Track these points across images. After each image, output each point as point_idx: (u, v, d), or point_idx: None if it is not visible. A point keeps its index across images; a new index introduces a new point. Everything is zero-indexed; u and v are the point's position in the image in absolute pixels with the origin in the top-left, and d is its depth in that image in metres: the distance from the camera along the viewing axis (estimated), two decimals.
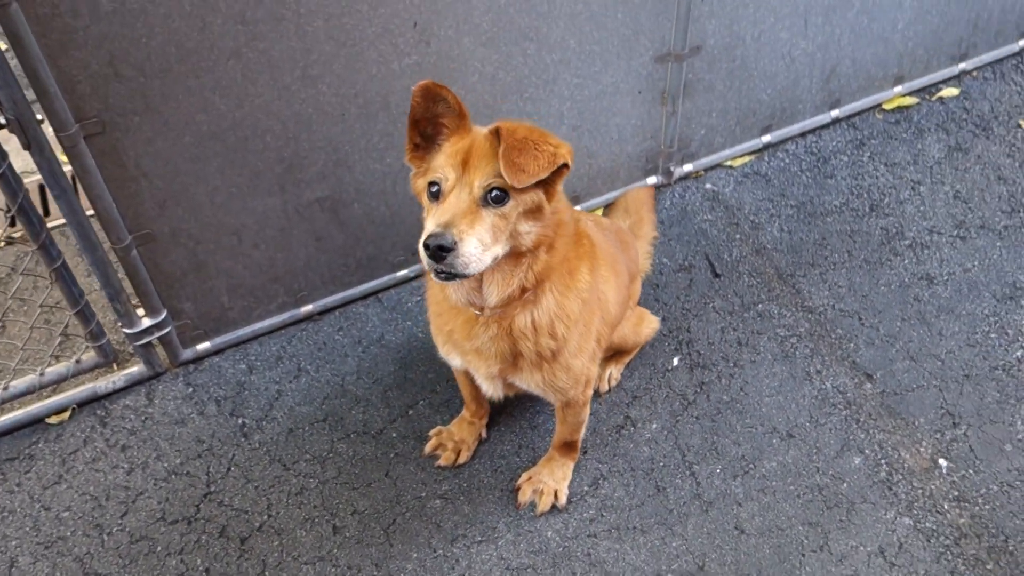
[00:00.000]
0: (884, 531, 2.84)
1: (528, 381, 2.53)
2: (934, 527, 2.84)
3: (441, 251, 1.99)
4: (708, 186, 3.94)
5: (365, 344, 3.42)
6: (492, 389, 2.64)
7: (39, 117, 2.56)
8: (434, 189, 2.15)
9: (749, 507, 2.91)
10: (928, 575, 2.73)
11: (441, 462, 3.05)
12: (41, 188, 3.94)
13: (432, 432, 3.12)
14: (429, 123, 2.23)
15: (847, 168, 3.97)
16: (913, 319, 3.40)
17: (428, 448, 3.08)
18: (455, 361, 2.65)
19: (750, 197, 3.87)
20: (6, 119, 2.50)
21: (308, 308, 3.48)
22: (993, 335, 3.34)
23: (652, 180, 3.89)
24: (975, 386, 3.19)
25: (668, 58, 3.47)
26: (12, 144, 2.60)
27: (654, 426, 3.12)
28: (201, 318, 3.28)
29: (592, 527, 2.89)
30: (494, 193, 2.08)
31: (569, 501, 2.94)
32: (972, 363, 3.25)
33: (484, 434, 3.11)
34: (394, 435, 3.15)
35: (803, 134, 4.12)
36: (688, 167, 3.94)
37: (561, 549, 2.84)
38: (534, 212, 2.16)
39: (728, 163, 4.02)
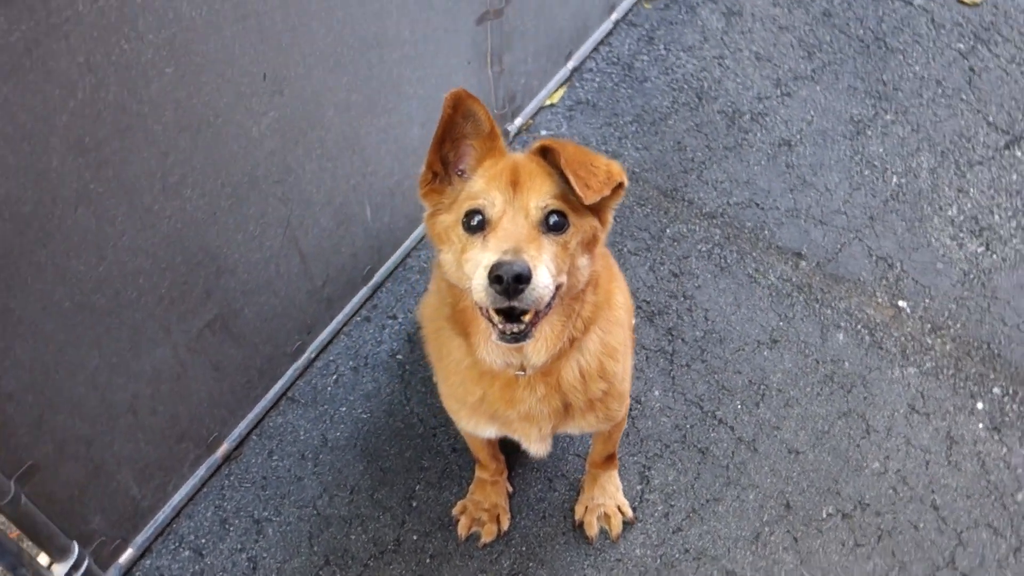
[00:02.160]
0: (902, 389, 2.93)
1: (581, 426, 2.20)
2: (932, 364, 2.97)
3: (518, 282, 1.58)
4: (543, 133, 3.70)
5: (311, 456, 2.85)
6: (542, 449, 2.26)
7: None
8: (475, 220, 1.75)
9: (787, 426, 2.86)
10: (956, 409, 2.87)
11: (485, 539, 2.65)
12: None
13: (456, 511, 2.70)
14: (452, 147, 1.84)
15: (654, 67, 3.92)
16: (798, 186, 3.48)
17: (462, 530, 2.67)
18: (487, 432, 2.25)
19: (588, 129, 3.70)
20: None
21: (223, 448, 2.82)
22: (867, 172, 3.51)
23: None
24: (882, 224, 3.35)
25: (488, 16, 3.13)
26: None
27: (656, 393, 2.94)
28: (114, 526, 2.53)
29: (671, 522, 2.68)
30: (553, 219, 1.73)
31: (634, 509, 2.70)
32: (867, 204, 3.41)
33: (510, 487, 2.75)
34: (415, 538, 2.68)
35: (596, 48, 3.99)
36: (519, 121, 3.66)
37: (658, 561, 2.61)
38: (589, 243, 1.84)
39: (548, 102, 3.80)
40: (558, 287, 1.75)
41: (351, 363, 3.06)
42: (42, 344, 2.05)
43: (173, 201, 2.21)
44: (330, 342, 3.09)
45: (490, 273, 1.59)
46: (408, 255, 3.30)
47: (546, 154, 1.79)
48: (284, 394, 2.98)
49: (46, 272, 1.97)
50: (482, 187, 1.77)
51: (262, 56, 2.28)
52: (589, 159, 1.75)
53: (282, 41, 2.32)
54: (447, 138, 1.80)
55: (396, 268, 3.27)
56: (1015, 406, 2.86)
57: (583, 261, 1.83)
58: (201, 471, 2.78)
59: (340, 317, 3.11)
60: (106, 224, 2.06)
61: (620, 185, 1.79)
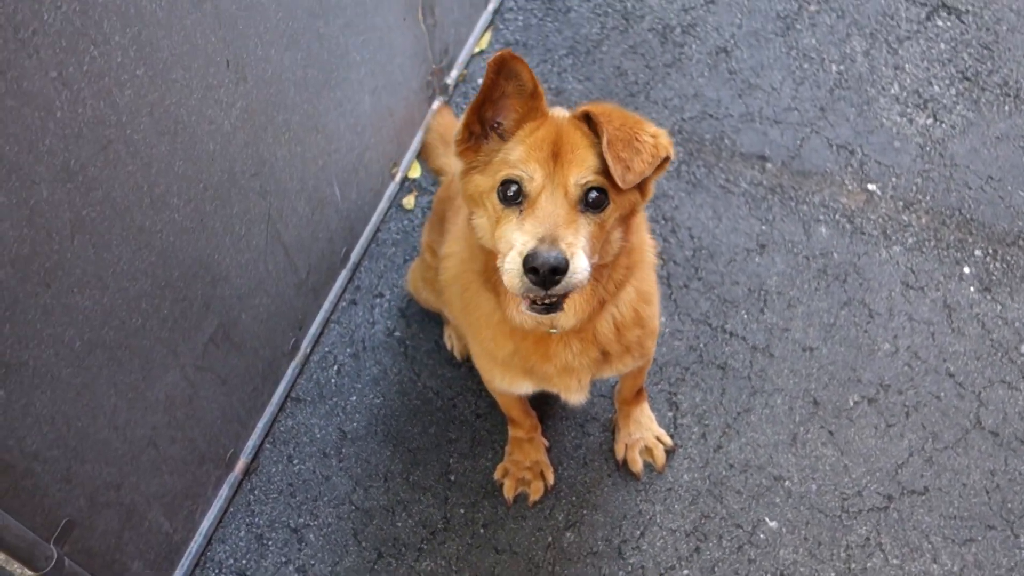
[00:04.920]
0: (892, 269, 3.00)
1: (619, 369, 2.17)
2: (914, 239, 3.06)
3: (555, 274, 1.56)
4: (480, 82, 3.59)
5: (332, 452, 2.74)
6: (581, 398, 2.19)
7: None
8: (512, 191, 1.68)
9: (796, 326, 2.90)
10: (945, 277, 2.97)
11: (534, 498, 2.62)
12: None
13: (498, 475, 2.65)
14: (491, 107, 1.74)
15: None
16: (745, 90, 3.49)
17: (508, 493, 2.62)
18: (523, 388, 2.20)
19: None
20: None
21: (241, 463, 2.69)
22: (806, 65, 3.55)
23: (436, 104, 3.46)
24: (834, 113, 3.39)
25: None
26: None
27: (663, 319, 2.93)
28: (152, 567, 2.39)
29: (710, 441, 2.70)
30: (593, 195, 1.67)
31: (672, 436, 2.70)
32: (815, 97, 3.44)
33: (546, 441, 2.71)
34: (462, 511, 2.62)
35: None
36: (455, 73, 3.54)
37: (708, 481, 2.63)
38: (626, 216, 1.78)
39: (477, 49, 3.68)
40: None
41: (349, 350, 2.94)
42: (60, 393, 1.88)
43: (162, 214, 2.04)
44: (322, 333, 2.96)
45: (525, 262, 1.56)
46: (378, 229, 3.18)
47: (590, 121, 1.70)
48: (288, 395, 2.85)
49: (53, 314, 1.79)
50: (521, 156, 1.68)
51: (223, 42, 2.11)
52: (634, 133, 1.66)
53: (238, 24, 2.15)
54: (487, 100, 1.70)
55: (370, 245, 3.14)
56: (998, 264, 2.98)
57: (616, 235, 1.78)
58: (224, 491, 2.64)
59: (326, 306, 2.97)
60: (103, 251, 1.89)
61: (666, 159, 1.71)
